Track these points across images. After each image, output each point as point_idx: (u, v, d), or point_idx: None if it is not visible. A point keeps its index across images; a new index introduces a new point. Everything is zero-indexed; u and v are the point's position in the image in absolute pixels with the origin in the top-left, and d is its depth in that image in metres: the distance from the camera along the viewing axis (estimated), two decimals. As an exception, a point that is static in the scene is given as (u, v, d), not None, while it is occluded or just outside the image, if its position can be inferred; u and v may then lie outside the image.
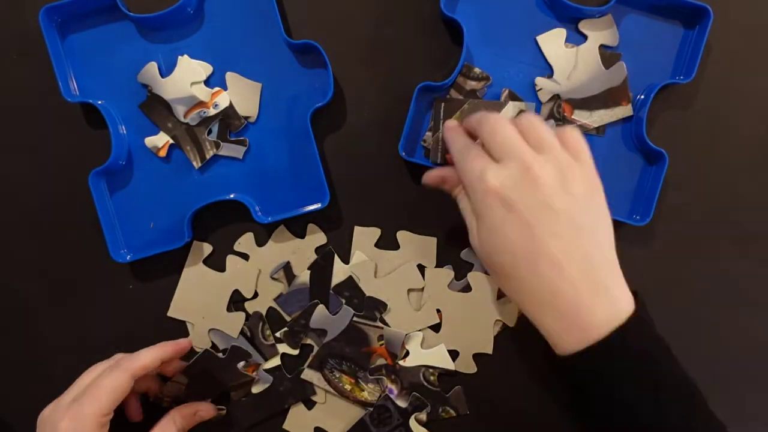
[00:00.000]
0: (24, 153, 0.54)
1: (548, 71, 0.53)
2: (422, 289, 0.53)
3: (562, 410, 0.54)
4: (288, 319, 0.53)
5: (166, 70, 0.52)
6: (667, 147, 0.51)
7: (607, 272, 0.40)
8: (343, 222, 0.54)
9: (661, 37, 0.53)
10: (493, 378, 0.53)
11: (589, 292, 0.39)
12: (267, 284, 0.53)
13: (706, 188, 0.54)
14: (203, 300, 0.53)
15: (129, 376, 0.44)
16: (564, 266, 0.38)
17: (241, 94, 0.53)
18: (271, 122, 0.53)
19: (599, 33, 0.53)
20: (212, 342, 0.53)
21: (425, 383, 0.53)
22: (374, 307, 0.53)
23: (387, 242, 0.54)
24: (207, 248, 0.53)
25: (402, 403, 0.52)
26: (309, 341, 0.53)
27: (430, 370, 0.53)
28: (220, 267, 0.53)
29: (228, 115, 0.52)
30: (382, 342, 0.53)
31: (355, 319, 0.52)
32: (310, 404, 0.53)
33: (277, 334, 0.53)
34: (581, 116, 0.53)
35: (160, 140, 0.52)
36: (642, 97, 0.53)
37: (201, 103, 0.52)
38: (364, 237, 0.53)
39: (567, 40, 0.53)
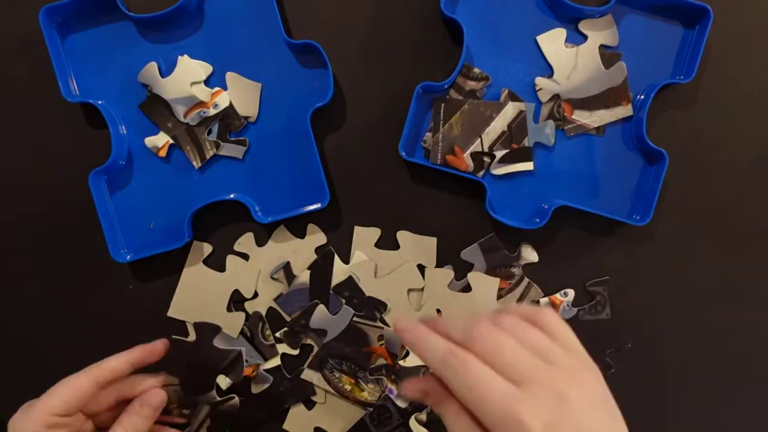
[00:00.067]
0: (24, 153, 0.54)
1: (548, 71, 0.53)
2: (422, 289, 0.53)
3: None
4: (288, 319, 0.53)
5: (166, 70, 0.52)
6: (667, 147, 0.51)
7: None
8: (343, 222, 0.54)
9: (661, 37, 0.53)
10: (493, 378, 0.53)
11: None
12: (267, 284, 0.53)
13: (706, 188, 0.54)
14: (203, 300, 0.53)
15: (92, 379, 0.43)
16: None
17: (241, 94, 0.53)
18: (271, 122, 0.53)
19: (599, 33, 0.53)
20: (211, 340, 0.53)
21: (425, 383, 0.53)
22: (374, 307, 0.53)
23: (387, 242, 0.54)
24: (207, 248, 0.53)
25: (402, 403, 0.52)
26: (309, 341, 0.53)
27: (431, 370, 0.53)
28: (220, 267, 0.53)
29: (228, 115, 0.52)
30: (382, 342, 0.52)
31: (355, 319, 0.52)
32: (310, 404, 0.53)
33: (277, 334, 0.53)
34: (581, 116, 0.53)
35: (160, 140, 0.52)
36: (642, 97, 0.53)
37: (201, 103, 0.52)
38: (364, 237, 0.53)
39: (567, 40, 0.53)
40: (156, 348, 0.48)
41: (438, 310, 0.53)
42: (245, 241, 0.53)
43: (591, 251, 0.54)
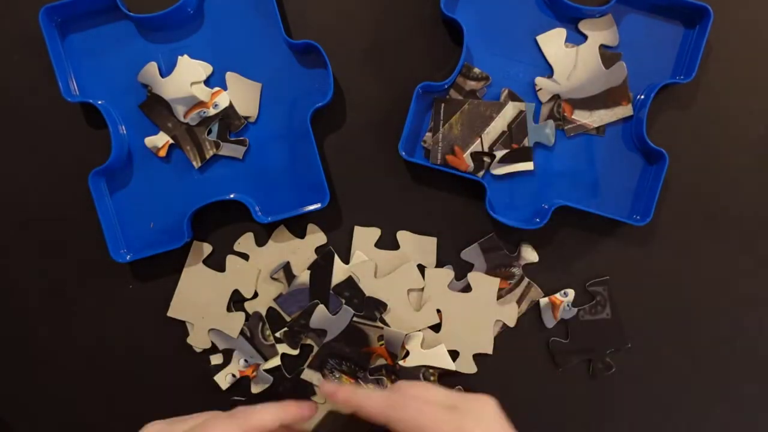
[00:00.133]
0: (24, 153, 0.54)
1: (548, 71, 0.53)
2: (422, 289, 0.53)
3: (562, 410, 0.54)
4: (288, 319, 0.53)
5: (166, 70, 0.52)
6: (667, 147, 0.51)
7: None
8: (343, 222, 0.54)
9: (661, 37, 0.53)
10: (493, 378, 0.53)
11: None
12: (267, 284, 0.53)
13: (706, 188, 0.54)
14: (203, 300, 0.53)
15: (241, 429, 0.39)
16: None
17: (241, 94, 0.53)
18: (271, 122, 0.53)
19: (599, 33, 0.53)
20: (212, 342, 0.53)
21: (425, 383, 0.53)
22: (374, 307, 0.53)
23: (387, 242, 0.54)
24: (207, 248, 0.53)
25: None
26: (309, 341, 0.53)
27: (430, 370, 0.53)
28: (220, 267, 0.53)
29: (228, 115, 0.52)
30: (382, 342, 0.52)
31: (355, 319, 0.52)
32: (310, 404, 0.53)
33: (277, 334, 0.53)
34: (581, 116, 0.53)
35: (160, 140, 0.52)
36: (642, 97, 0.53)
37: (201, 103, 0.52)
38: (364, 237, 0.53)
39: (567, 40, 0.53)
40: (307, 412, 0.43)
41: (438, 310, 0.53)
42: (245, 241, 0.53)
43: (591, 251, 0.54)
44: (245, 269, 0.53)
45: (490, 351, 0.53)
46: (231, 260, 0.53)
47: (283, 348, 0.53)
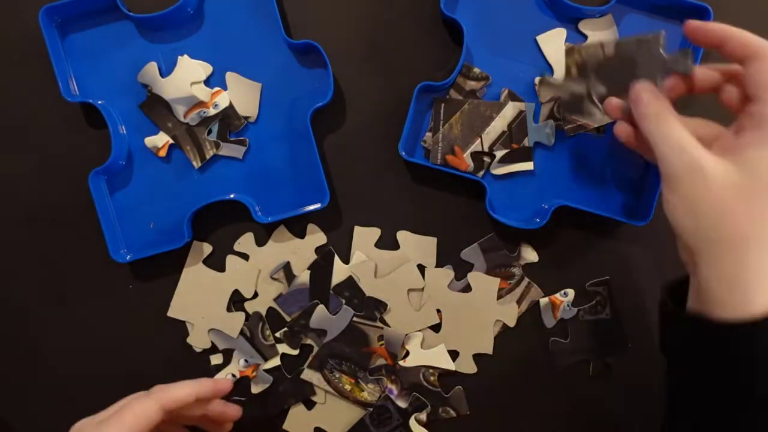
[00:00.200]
0: (24, 153, 0.54)
1: (548, 71, 0.53)
2: (422, 289, 0.53)
3: (562, 410, 0.54)
4: (288, 319, 0.53)
5: (166, 70, 0.52)
6: (667, 147, 0.51)
7: None
8: (343, 222, 0.54)
9: (661, 37, 0.53)
10: (493, 378, 0.53)
11: None
12: (267, 284, 0.53)
13: (706, 188, 0.54)
14: (203, 300, 0.53)
15: (158, 405, 0.42)
16: None
17: (241, 94, 0.53)
18: (271, 122, 0.53)
19: (599, 33, 0.53)
20: (212, 342, 0.53)
21: (425, 383, 0.53)
22: (374, 307, 0.53)
23: (387, 242, 0.54)
24: (207, 248, 0.53)
25: (402, 403, 0.52)
26: (309, 341, 0.53)
27: (430, 370, 0.53)
28: (220, 267, 0.53)
29: (228, 115, 0.52)
30: (382, 342, 0.52)
31: (355, 319, 0.52)
32: (310, 404, 0.53)
33: (277, 334, 0.53)
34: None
35: (160, 140, 0.52)
36: (642, 97, 0.53)
37: (201, 103, 0.52)
38: (364, 237, 0.53)
39: (567, 40, 0.53)
40: (222, 387, 0.48)
41: (438, 310, 0.53)
42: (245, 241, 0.53)
43: (591, 251, 0.54)
44: (245, 269, 0.53)
45: (490, 351, 0.53)
46: (231, 260, 0.53)
47: (283, 348, 0.53)
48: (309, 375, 0.52)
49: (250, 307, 0.53)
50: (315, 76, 0.52)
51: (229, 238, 0.54)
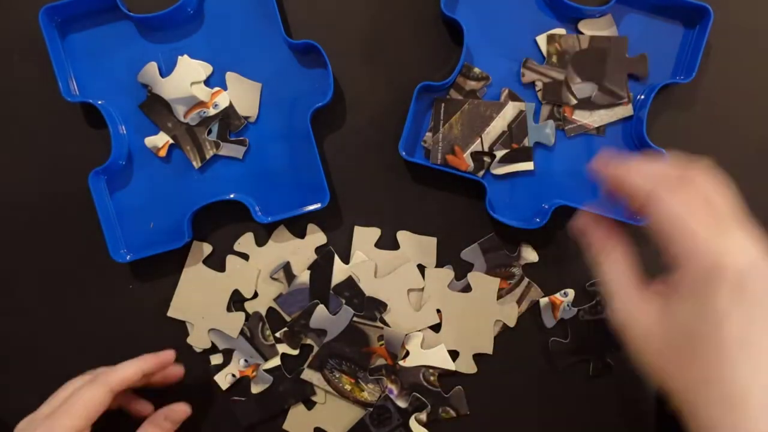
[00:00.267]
0: (24, 153, 0.54)
1: (548, 71, 0.53)
2: (422, 289, 0.53)
3: (562, 410, 0.54)
4: (288, 319, 0.53)
5: (166, 70, 0.52)
6: (667, 147, 0.51)
7: None
8: (343, 222, 0.54)
9: (661, 37, 0.53)
10: (493, 378, 0.53)
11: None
12: (267, 284, 0.53)
13: (706, 188, 0.54)
14: (203, 300, 0.53)
15: (107, 389, 0.42)
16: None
17: (241, 94, 0.53)
18: (271, 122, 0.53)
19: (599, 33, 0.53)
20: (212, 342, 0.53)
21: (425, 383, 0.53)
22: (374, 307, 0.53)
23: (387, 242, 0.54)
24: (207, 248, 0.53)
25: (402, 403, 0.52)
26: (309, 341, 0.53)
27: (430, 370, 0.53)
28: (220, 267, 0.53)
29: (228, 115, 0.52)
30: (382, 342, 0.52)
31: (355, 319, 0.52)
32: (310, 404, 0.53)
33: (277, 334, 0.53)
34: (581, 116, 0.53)
35: (160, 140, 0.52)
36: (642, 97, 0.53)
37: (201, 103, 0.52)
38: (364, 237, 0.53)
39: (567, 40, 0.53)
40: (165, 359, 0.48)
41: (438, 310, 0.53)
42: (245, 241, 0.53)
43: (591, 251, 0.54)
44: (245, 269, 0.53)
45: (490, 351, 0.53)
46: (231, 260, 0.53)
47: (283, 348, 0.53)
48: (309, 375, 0.52)
49: (250, 307, 0.53)
50: (315, 76, 0.52)
51: (229, 238, 0.53)
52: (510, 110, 0.53)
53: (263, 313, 0.53)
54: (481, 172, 0.52)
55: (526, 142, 0.53)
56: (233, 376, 0.53)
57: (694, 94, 0.54)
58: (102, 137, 0.52)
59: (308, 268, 0.53)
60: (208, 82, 0.53)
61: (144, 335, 0.54)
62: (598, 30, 0.53)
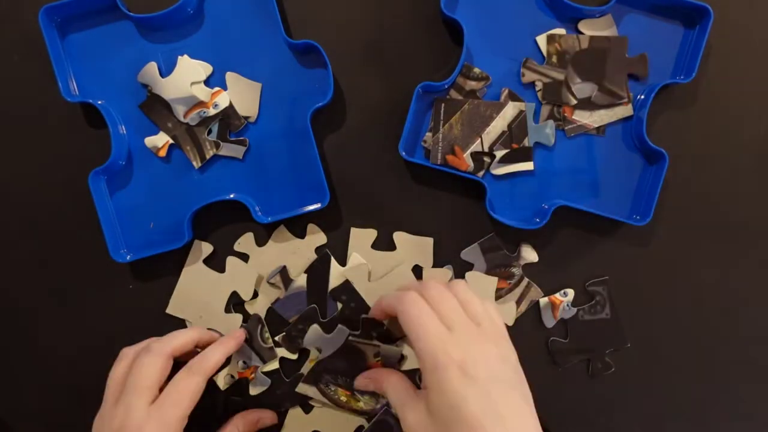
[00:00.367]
0: (24, 153, 0.54)
1: (548, 71, 0.53)
2: (422, 290, 0.53)
3: (562, 410, 0.54)
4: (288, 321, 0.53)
5: (166, 70, 0.52)
6: (667, 147, 0.51)
7: None
8: (343, 222, 0.54)
9: (661, 37, 0.53)
10: (493, 378, 0.53)
11: None
12: (265, 287, 0.53)
13: (706, 188, 0.54)
14: (202, 299, 0.53)
15: (203, 379, 0.45)
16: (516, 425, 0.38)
17: (241, 94, 0.53)
18: (271, 122, 0.53)
19: (599, 33, 0.53)
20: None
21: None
22: (371, 329, 0.51)
23: (386, 243, 0.54)
24: (207, 248, 0.53)
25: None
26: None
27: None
28: (219, 267, 0.53)
29: (228, 115, 0.52)
30: (379, 358, 0.52)
31: (350, 338, 0.52)
32: (307, 408, 0.53)
33: (276, 338, 0.53)
34: (581, 116, 0.53)
35: (160, 140, 0.52)
36: (642, 97, 0.53)
37: (201, 103, 0.52)
38: (361, 238, 0.53)
39: (567, 40, 0.53)
40: (241, 336, 0.51)
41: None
42: (245, 241, 0.53)
43: (591, 251, 0.54)
44: (244, 271, 0.53)
45: (490, 351, 0.53)
46: (231, 262, 0.53)
47: (282, 352, 0.53)
48: (304, 389, 0.52)
49: (250, 309, 0.53)
50: (315, 76, 0.52)
51: (229, 238, 0.53)
52: (510, 110, 0.53)
53: (262, 315, 0.53)
54: (481, 172, 0.52)
55: (526, 142, 0.52)
56: (232, 377, 0.53)
57: (694, 94, 0.54)
58: (102, 137, 0.52)
59: (305, 272, 0.53)
60: (208, 82, 0.53)
61: (144, 335, 0.53)
62: (598, 30, 0.53)
